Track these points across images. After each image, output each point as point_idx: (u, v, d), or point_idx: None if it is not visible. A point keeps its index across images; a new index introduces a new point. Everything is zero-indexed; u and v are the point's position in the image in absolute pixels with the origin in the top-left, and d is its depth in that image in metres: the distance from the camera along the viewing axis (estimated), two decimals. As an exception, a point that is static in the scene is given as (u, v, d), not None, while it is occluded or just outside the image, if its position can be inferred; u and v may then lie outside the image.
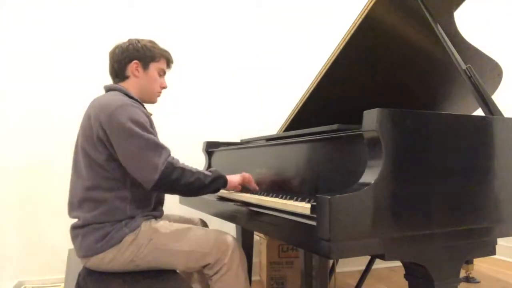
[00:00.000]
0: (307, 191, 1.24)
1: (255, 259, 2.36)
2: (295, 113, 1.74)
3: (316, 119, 1.67)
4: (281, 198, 1.26)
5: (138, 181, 1.28)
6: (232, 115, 2.67)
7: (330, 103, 1.66)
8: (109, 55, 1.46)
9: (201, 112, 2.61)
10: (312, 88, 1.60)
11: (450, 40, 1.28)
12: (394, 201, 0.92)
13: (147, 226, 1.34)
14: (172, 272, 1.34)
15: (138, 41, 1.44)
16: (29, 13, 2.29)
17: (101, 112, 1.28)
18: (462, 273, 2.46)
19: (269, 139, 1.66)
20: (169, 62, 1.51)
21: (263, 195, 1.40)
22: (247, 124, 2.65)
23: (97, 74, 1.99)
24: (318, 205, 0.88)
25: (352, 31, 1.39)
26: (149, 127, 1.30)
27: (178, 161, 1.31)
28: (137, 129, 1.26)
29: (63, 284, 1.60)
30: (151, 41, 1.47)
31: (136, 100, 1.40)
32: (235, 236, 2.14)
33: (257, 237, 2.45)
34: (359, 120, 0.97)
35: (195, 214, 1.93)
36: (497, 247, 1.13)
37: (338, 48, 1.44)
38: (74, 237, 1.34)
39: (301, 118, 1.75)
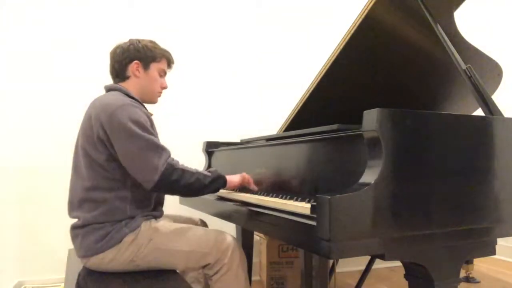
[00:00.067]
0: (307, 191, 1.24)
1: (255, 259, 2.36)
2: (295, 113, 1.74)
3: (316, 119, 1.67)
4: (281, 198, 1.26)
5: (138, 182, 1.28)
6: (232, 115, 2.67)
7: (330, 103, 1.66)
8: (109, 55, 1.46)
9: (201, 112, 2.61)
10: (312, 88, 1.60)
11: (450, 40, 1.28)
12: (394, 201, 0.92)
13: (147, 226, 1.34)
14: (172, 272, 1.34)
15: (139, 41, 1.44)
16: (29, 13, 2.29)
17: (101, 112, 1.28)
18: (462, 273, 2.46)
19: (269, 139, 1.66)
20: (170, 62, 1.51)
21: (263, 195, 1.40)
22: (247, 124, 2.65)
23: (97, 74, 1.99)
24: (318, 205, 0.88)
25: (352, 31, 1.39)
26: (149, 128, 1.31)
27: (178, 162, 1.31)
28: (137, 130, 1.26)
29: (63, 284, 1.60)
30: (152, 41, 1.47)
31: (137, 100, 1.40)
32: (235, 236, 2.14)
33: (257, 237, 2.45)
34: (359, 120, 0.97)
35: (195, 214, 1.93)
36: (497, 247, 1.13)
37: (338, 48, 1.45)
38: (74, 237, 1.34)
39: (301, 118, 1.75)
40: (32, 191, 2.25)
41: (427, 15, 1.30)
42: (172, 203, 1.74)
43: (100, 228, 1.28)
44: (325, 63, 1.51)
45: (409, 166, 0.95)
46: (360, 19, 1.35)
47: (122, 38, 1.48)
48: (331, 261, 1.97)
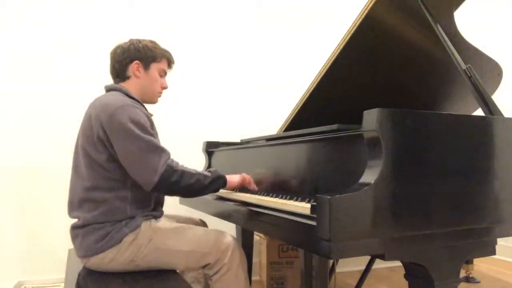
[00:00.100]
0: (307, 191, 1.24)
1: (255, 259, 2.36)
2: (295, 113, 1.74)
3: (316, 119, 1.67)
4: (281, 198, 1.26)
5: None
6: (232, 115, 2.67)
7: (330, 103, 1.66)
8: (110, 55, 1.46)
9: (201, 112, 2.61)
10: (312, 88, 1.60)
11: (450, 40, 1.29)
12: (394, 201, 0.92)
13: (147, 226, 1.34)
14: (172, 272, 1.34)
15: (139, 41, 1.44)
16: (29, 13, 2.29)
17: (101, 112, 1.28)
18: (462, 273, 2.46)
19: (269, 139, 1.66)
20: (170, 62, 1.51)
21: (263, 195, 1.40)
22: (247, 124, 2.65)
23: (97, 74, 1.99)
24: (318, 205, 0.88)
25: (352, 31, 1.39)
26: (149, 129, 1.31)
27: (177, 163, 1.31)
28: (137, 131, 1.26)
29: (63, 284, 1.60)
30: (152, 41, 1.47)
31: (137, 100, 1.40)
32: (235, 236, 2.14)
33: (257, 237, 2.45)
34: (359, 120, 0.97)
35: (195, 214, 1.93)
36: (497, 247, 1.13)
37: (338, 48, 1.45)
38: (74, 237, 1.34)
39: (301, 118, 1.75)
40: (32, 191, 2.25)
41: (427, 15, 1.30)
42: (172, 203, 1.74)
43: (100, 228, 1.28)
44: (325, 63, 1.51)
45: (409, 166, 0.95)
46: (360, 19, 1.35)
47: (122, 38, 1.48)
48: (331, 261, 1.97)
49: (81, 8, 2.38)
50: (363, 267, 1.96)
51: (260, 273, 2.46)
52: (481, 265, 2.79)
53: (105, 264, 1.30)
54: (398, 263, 1.13)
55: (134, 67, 1.42)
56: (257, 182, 1.54)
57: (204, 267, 1.36)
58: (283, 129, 1.86)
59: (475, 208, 1.04)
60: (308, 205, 1.00)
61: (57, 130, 2.28)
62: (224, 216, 1.54)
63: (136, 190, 1.32)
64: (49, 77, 2.31)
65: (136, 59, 1.42)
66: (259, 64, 2.74)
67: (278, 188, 1.41)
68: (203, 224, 1.75)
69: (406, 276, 1.08)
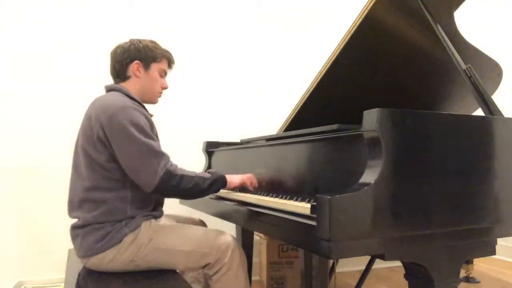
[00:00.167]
0: (307, 191, 1.24)
1: (255, 259, 2.36)
2: (295, 113, 1.74)
3: (316, 119, 1.67)
4: (281, 198, 1.26)
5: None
6: (232, 115, 2.67)
7: (330, 103, 1.66)
8: (110, 55, 1.46)
9: (201, 112, 2.61)
10: (312, 88, 1.60)
11: (450, 40, 1.29)
12: (394, 201, 0.92)
13: (147, 226, 1.34)
14: (172, 272, 1.34)
15: (140, 41, 1.44)
16: (29, 13, 2.29)
17: (101, 113, 1.28)
18: (462, 273, 2.46)
19: (269, 139, 1.66)
20: (170, 62, 1.51)
21: (263, 195, 1.40)
22: (247, 124, 2.65)
23: (97, 74, 2.00)
24: (318, 205, 0.88)
25: (352, 31, 1.39)
26: (149, 132, 1.31)
27: (176, 167, 1.31)
28: (137, 134, 1.26)
29: (63, 284, 1.60)
30: (152, 41, 1.47)
31: (137, 101, 1.40)
32: (235, 236, 2.14)
33: (257, 237, 2.45)
34: (359, 120, 0.97)
35: (195, 214, 1.93)
36: (497, 247, 1.13)
37: (338, 48, 1.45)
38: (74, 237, 1.34)
39: (301, 118, 1.75)
40: (32, 191, 2.25)
41: (427, 15, 1.30)
42: (172, 203, 1.74)
43: (100, 228, 1.28)
44: (325, 63, 1.51)
45: (409, 166, 0.95)
46: (360, 19, 1.35)
47: (122, 38, 1.48)
48: (331, 261, 1.97)
49: (81, 8, 2.39)
50: (363, 267, 1.96)
51: (260, 273, 2.46)
52: (481, 265, 2.79)
53: (105, 264, 1.30)
54: (398, 263, 1.13)
55: (134, 67, 1.42)
56: (257, 182, 1.54)
57: (204, 267, 1.36)
58: (283, 129, 1.86)
59: (475, 208, 1.04)
60: (308, 205, 1.00)
61: (57, 130, 2.28)
62: (224, 216, 1.54)
63: (136, 190, 1.32)
64: (49, 77, 2.31)
65: (137, 59, 1.42)
66: (259, 64, 2.74)
67: (278, 188, 1.41)
68: (202, 224, 1.75)
69: (406, 276, 1.08)
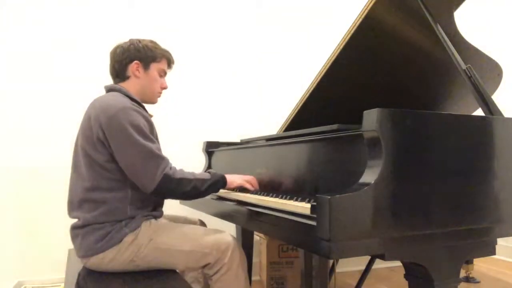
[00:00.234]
0: (307, 191, 1.24)
1: (255, 259, 2.36)
2: (295, 113, 1.74)
3: (316, 119, 1.67)
4: (281, 198, 1.26)
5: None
6: (232, 115, 2.67)
7: (330, 103, 1.66)
8: (110, 55, 1.46)
9: (201, 112, 2.61)
10: (312, 88, 1.60)
11: (450, 40, 1.29)
12: (394, 201, 0.92)
13: (147, 226, 1.34)
14: (172, 272, 1.34)
15: (139, 41, 1.44)
16: (29, 13, 2.29)
17: (101, 113, 1.28)
18: (462, 273, 2.46)
19: (269, 139, 1.66)
20: (170, 62, 1.51)
21: (263, 195, 1.40)
22: (247, 124, 2.65)
23: (97, 74, 1.99)
24: (318, 205, 0.88)
25: (352, 31, 1.39)
26: (149, 134, 1.31)
27: (175, 170, 1.31)
28: (136, 136, 1.26)
29: (63, 284, 1.60)
30: (152, 41, 1.47)
31: (137, 101, 1.40)
32: (235, 236, 2.14)
33: (257, 237, 2.45)
34: (359, 120, 0.97)
35: (195, 214, 1.93)
36: (497, 247, 1.13)
37: (338, 48, 1.45)
38: (74, 237, 1.34)
39: (301, 118, 1.75)
40: (32, 191, 2.25)
41: (427, 15, 1.30)
42: (172, 203, 1.74)
43: (100, 228, 1.28)
44: (325, 63, 1.51)
45: (409, 166, 0.95)
46: (360, 19, 1.35)
47: (122, 38, 1.48)
48: (331, 261, 1.97)
49: (81, 8, 2.39)
50: (363, 267, 1.96)
51: (260, 273, 2.46)
52: (481, 265, 2.79)
53: (105, 264, 1.30)
54: (398, 263, 1.13)
55: (134, 67, 1.42)
56: (257, 182, 1.54)
57: (204, 267, 1.36)
58: (283, 129, 1.86)
59: (475, 208, 1.04)
60: (308, 205, 1.00)
61: (57, 130, 2.28)
62: (224, 216, 1.54)
63: (136, 190, 1.32)
64: (49, 77, 2.31)
65: (136, 59, 1.42)
66: (259, 64, 2.74)
67: (278, 188, 1.41)
68: (202, 224, 1.75)
69: (406, 276, 1.08)
